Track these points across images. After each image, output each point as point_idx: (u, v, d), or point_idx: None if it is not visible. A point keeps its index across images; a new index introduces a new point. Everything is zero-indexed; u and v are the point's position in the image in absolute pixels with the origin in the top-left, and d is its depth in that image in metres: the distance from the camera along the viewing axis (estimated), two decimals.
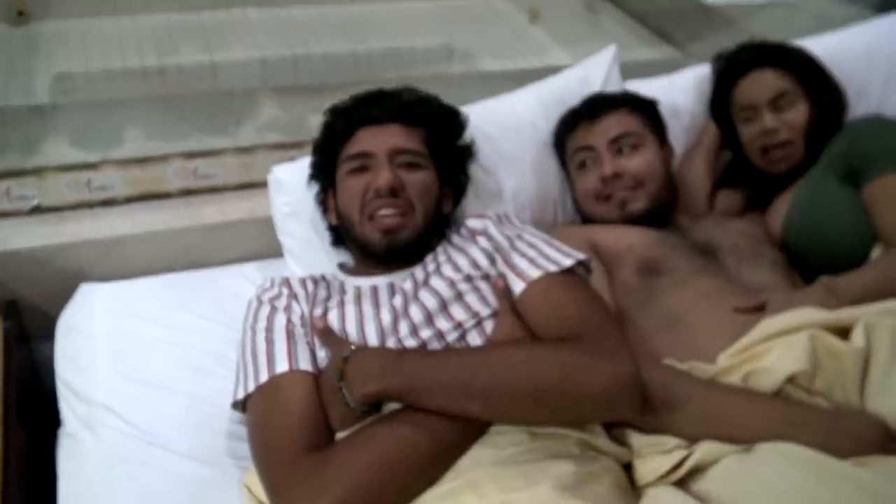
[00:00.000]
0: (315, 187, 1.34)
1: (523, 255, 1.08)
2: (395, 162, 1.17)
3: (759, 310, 1.17)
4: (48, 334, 1.34)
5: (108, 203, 1.49)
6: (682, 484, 1.00)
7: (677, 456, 1.00)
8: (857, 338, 1.09)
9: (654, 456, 1.02)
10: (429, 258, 1.17)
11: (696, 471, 0.99)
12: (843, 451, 0.92)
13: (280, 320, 1.06)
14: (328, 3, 3.44)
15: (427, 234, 1.19)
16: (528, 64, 2.98)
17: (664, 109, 1.57)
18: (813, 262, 1.38)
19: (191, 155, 1.51)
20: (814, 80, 1.48)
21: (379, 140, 1.19)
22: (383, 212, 1.14)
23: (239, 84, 2.71)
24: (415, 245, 1.17)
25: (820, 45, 1.69)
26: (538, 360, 0.91)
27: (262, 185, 1.48)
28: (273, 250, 1.47)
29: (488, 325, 1.03)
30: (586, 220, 1.50)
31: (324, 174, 1.29)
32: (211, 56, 2.91)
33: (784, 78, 1.46)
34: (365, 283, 1.15)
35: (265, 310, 1.08)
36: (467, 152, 1.36)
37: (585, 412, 0.93)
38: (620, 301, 1.29)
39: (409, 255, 1.17)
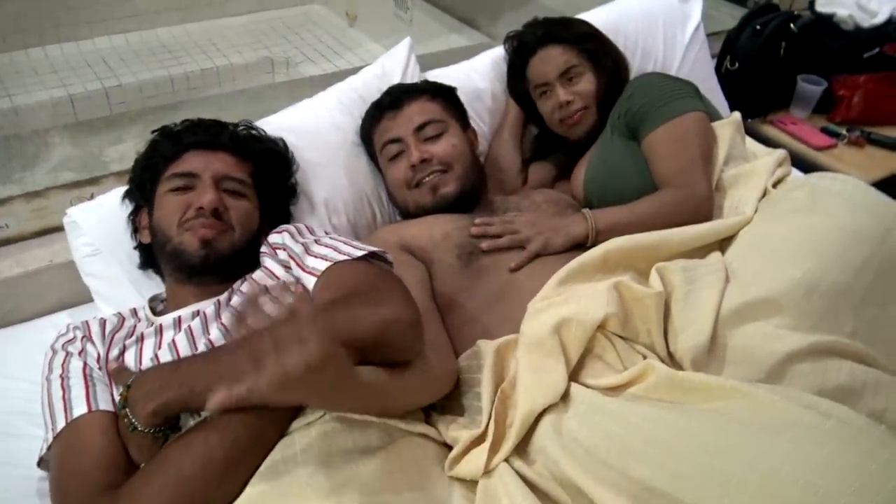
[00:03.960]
0: (126, 211, 1.29)
1: (316, 255, 1.08)
2: (220, 187, 1.18)
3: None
4: None
5: None
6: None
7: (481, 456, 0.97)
8: (655, 282, 1.16)
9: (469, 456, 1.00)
10: (237, 283, 1.16)
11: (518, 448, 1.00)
12: None
13: (76, 364, 1.03)
14: (137, 31, 3.30)
15: (241, 257, 1.17)
16: (349, 65, 2.98)
17: (466, 94, 1.61)
18: None
19: None
20: (596, 50, 1.56)
21: (207, 164, 1.19)
22: (202, 230, 1.13)
23: (45, 126, 2.56)
24: (229, 262, 1.15)
25: (602, 16, 1.79)
26: None
27: (61, 228, 1.40)
28: (84, 295, 1.40)
29: None
30: (404, 213, 1.51)
31: (141, 191, 1.25)
32: (11, 100, 2.74)
33: (569, 52, 1.54)
34: (168, 318, 1.12)
35: (59, 357, 1.05)
36: (291, 192, 1.39)
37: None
38: (447, 288, 1.31)
39: (222, 271, 1.15)
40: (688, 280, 1.16)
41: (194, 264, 1.13)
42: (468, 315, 1.26)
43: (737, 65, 2.10)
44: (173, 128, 1.27)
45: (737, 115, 1.51)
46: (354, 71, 1.70)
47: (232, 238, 1.16)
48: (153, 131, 1.29)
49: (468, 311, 1.27)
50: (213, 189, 1.15)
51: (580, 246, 1.31)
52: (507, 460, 0.97)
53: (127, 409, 0.89)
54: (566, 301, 1.11)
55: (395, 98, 1.48)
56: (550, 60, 1.54)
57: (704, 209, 1.32)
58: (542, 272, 1.23)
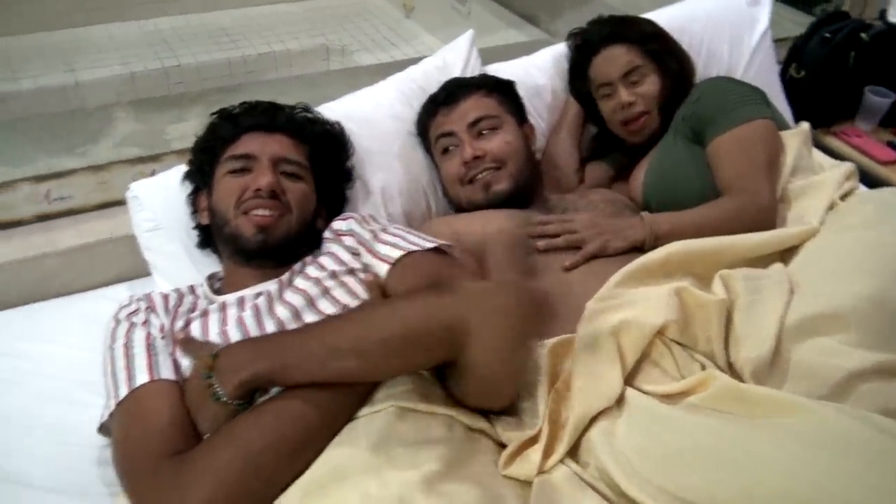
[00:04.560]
0: (187, 189, 1.31)
1: (386, 242, 1.10)
2: (278, 169, 1.18)
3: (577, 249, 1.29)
4: None
5: None
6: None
7: (535, 458, 0.97)
8: (718, 289, 1.14)
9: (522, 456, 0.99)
10: (297, 265, 1.16)
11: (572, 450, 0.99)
12: None
13: (139, 334, 1.04)
14: (196, 12, 3.34)
15: (298, 240, 1.19)
16: (405, 55, 2.99)
17: (525, 89, 1.59)
18: None
19: (41, 178, 1.43)
20: (661, 51, 1.53)
21: (264, 146, 1.20)
22: (259, 211, 1.14)
23: (107, 102, 2.61)
24: (286, 246, 1.16)
25: (667, 16, 1.75)
26: (399, 307, 0.94)
27: (122, 202, 1.42)
28: (142, 269, 1.42)
29: None
30: (457, 207, 1.51)
31: (200, 173, 1.27)
32: (74, 76, 2.80)
33: (633, 52, 1.51)
34: (231, 297, 1.13)
35: (123, 327, 1.06)
36: (347, 176, 1.39)
37: (452, 344, 0.92)
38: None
39: (280, 255, 1.16)
40: (752, 289, 1.13)
41: (252, 249, 1.14)
42: None
43: (803, 73, 2.05)
44: (231, 110, 1.29)
45: (805, 125, 1.47)
46: (410, 62, 1.69)
47: (289, 221, 1.16)
48: (212, 113, 1.30)
49: None
50: (270, 171, 1.16)
51: (637, 249, 1.29)
52: (562, 461, 0.96)
53: (212, 379, 0.90)
54: (625, 304, 1.10)
55: (450, 93, 1.48)
56: (614, 60, 1.52)
57: (766, 218, 1.28)
58: (596, 273, 1.22)
